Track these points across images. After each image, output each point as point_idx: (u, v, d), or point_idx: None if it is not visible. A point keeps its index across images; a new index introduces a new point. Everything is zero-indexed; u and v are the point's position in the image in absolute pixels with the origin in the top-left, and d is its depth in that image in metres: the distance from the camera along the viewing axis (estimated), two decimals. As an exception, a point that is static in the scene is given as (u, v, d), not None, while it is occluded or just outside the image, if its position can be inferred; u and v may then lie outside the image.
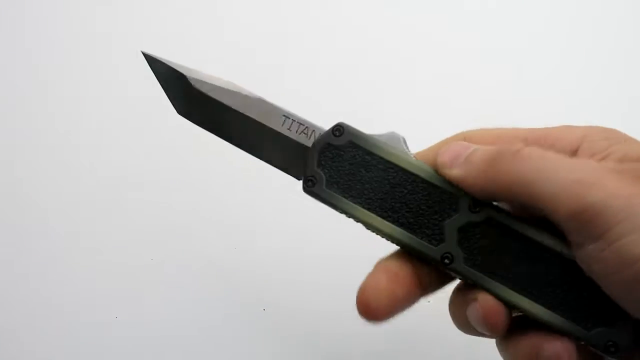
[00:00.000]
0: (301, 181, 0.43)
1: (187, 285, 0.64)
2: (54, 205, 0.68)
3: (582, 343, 0.38)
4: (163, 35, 0.75)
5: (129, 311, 0.63)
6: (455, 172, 0.40)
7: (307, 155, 0.43)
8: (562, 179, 0.36)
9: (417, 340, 0.62)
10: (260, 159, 0.45)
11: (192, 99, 0.45)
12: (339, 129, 0.43)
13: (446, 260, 0.40)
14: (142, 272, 0.65)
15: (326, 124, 0.44)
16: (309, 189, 0.42)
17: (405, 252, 0.42)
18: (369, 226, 0.42)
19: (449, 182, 0.40)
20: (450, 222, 0.40)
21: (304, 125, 0.44)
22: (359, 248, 0.65)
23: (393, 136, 0.43)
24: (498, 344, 0.41)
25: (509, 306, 0.39)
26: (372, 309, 0.41)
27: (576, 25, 0.76)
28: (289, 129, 0.44)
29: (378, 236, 0.42)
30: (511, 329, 0.40)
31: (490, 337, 0.40)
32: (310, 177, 0.42)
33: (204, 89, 0.45)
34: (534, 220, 0.40)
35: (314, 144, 0.43)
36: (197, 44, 0.75)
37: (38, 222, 0.67)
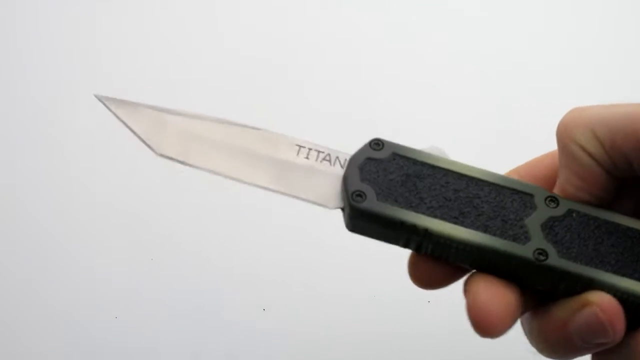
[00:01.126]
0: (338, 210, 0.38)
1: (187, 285, 0.64)
2: (53, 205, 0.68)
3: None
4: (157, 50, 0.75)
5: (129, 311, 0.63)
6: None
7: (347, 173, 0.38)
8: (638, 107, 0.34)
9: (417, 341, 0.62)
10: (284, 195, 0.39)
11: (173, 138, 0.39)
12: (378, 143, 0.38)
13: (541, 256, 0.36)
14: (141, 271, 0.65)
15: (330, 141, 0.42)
16: (358, 205, 0.36)
17: (483, 266, 0.37)
18: (440, 237, 0.36)
19: (517, 182, 0.38)
20: (531, 219, 0.37)
21: (322, 152, 0.39)
22: (359, 248, 0.65)
23: (435, 149, 0.39)
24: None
25: (618, 295, 0.35)
26: (493, 324, 0.36)
27: (580, 23, 0.76)
28: (306, 157, 0.39)
29: (442, 252, 0.37)
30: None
31: (604, 345, 0.35)
32: (358, 192, 0.37)
33: (186, 126, 0.39)
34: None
35: (350, 160, 0.38)
36: (195, 52, 0.75)
37: (38, 222, 0.67)
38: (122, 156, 0.70)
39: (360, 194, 0.37)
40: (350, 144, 0.39)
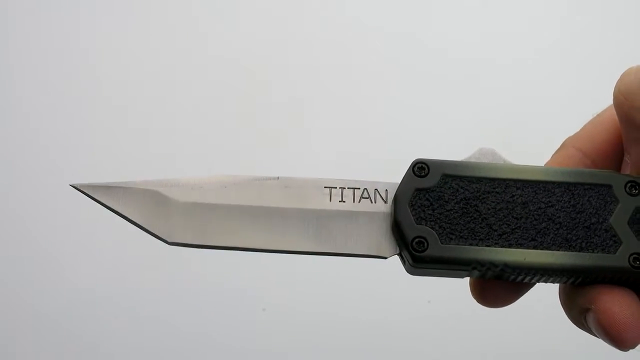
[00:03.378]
0: (392, 258, 0.33)
1: (187, 285, 0.64)
2: (53, 205, 0.68)
3: None
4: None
5: (129, 311, 0.63)
6: None
7: (397, 218, 0.32)
8: None
9: (417, 341, 0.62)
10: (330, 255, 0.33)
11: (181, 217, 0.32)
12: (422, 167, 0.33)
13: (637, 263, 0.32)
14: (141, 271, 0.65)
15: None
16: (421, 254, 0.32)
17: (580, 282, 0.33)
18: (519, 268, 0.32)
19: (588, 174, 0.33)
20: (616, 217, 0.32)
21: (358, 187, 0.33)
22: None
23: (485, 152, 0.34)
24: None
25: None
26: (633, 336, 0.31)
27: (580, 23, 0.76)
28: (341, 200, 0.33)
29: (524, 281, 0.33)
30: None
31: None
32: (418, 239, 0.32)
33: (190, 198, 0.32)
34: None
35: (396, 198, 0.33)
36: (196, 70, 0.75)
37: (38, 222, 0.67)
38: (119, 158, 0.70)
39: (422, 241, 0.32)
40: (367, 161, 0.34)
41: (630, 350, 0.33)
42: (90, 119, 0.71)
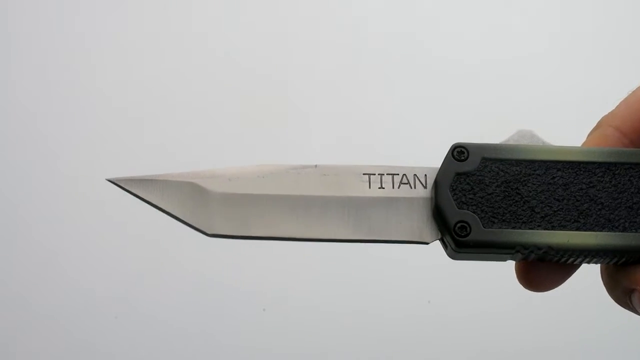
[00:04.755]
0: (433, 244, 0.33)
1: (187, 285, 0.64)
2: (53, 205, 0.68)
3: None
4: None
5: (129, 311, 0.63)
6: None
7: (438, 203, 0.32)
8: None
9: (417, 341, 0.62)
10: (367, 242, 0.33)
11: (219, 209, 0.32)
12: (461, 150, 0.33)
13: None
14: (141, 271, 0.65)
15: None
16: (464, 239, 0.32)
17: (624, 262, 0.33)
18: (563, 250, 0.32)
19: (628, 153, 0.33)
20: None
21: (397, 173, 0.33)
22: (359, 249, 0.65)
23: (524, 133, 0.34)
24: None
25: None
26: None
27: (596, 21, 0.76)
28: (380, 187, 0.33)
29: (567, 263, 0.33)
30: None
31: None
32: (461, 224, 0.32)
33: (228, 189, 0.32)
34: None
35: (436, 183, 0.33)
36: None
37: (37, 223, 0.67)
38: (120, 154, 0.70)
39: (464, 225, 0.32)
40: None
41: None
42: (87, 120, 0.71)
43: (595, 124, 0.35)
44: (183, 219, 0.33)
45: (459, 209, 0.32)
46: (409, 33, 0.75)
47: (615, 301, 0.34)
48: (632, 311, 0.33)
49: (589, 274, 0.37)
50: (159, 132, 0.70)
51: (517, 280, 0.34)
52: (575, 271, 0.34)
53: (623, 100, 0.35)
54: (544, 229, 0.32)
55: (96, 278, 0.64)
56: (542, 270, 0.33)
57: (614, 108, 0.35)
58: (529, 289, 0.34)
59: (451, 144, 0.33)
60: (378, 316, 0.63)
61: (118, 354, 0.62)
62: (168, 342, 0.62)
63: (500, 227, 0.32)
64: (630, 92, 0.35)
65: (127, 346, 0.62)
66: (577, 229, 0.32)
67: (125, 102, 0.71)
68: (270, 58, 0.74)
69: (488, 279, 0.64)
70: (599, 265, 0.34)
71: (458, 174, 0.33)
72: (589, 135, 0.35)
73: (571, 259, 0.33)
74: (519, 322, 0.64)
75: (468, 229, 0.32)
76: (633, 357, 0.64)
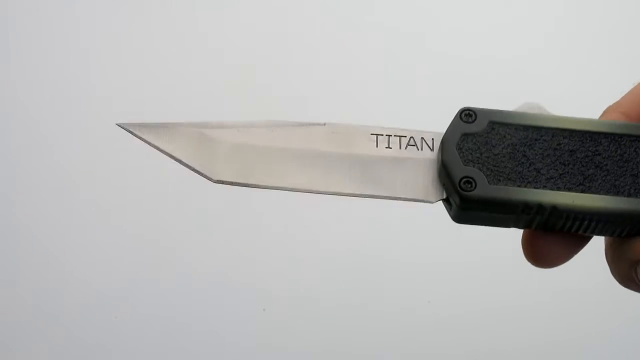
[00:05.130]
0: (437, 203, 0.33)
1: (187, 285, 0.64)
2: (53, 206, 0.68)
3: None
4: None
5: (129, 311, 0.63)
6: None
7: (444, 159, 0.32)
8: None
9: (417, 340, 0.62)
10: (371, 197, 0.33)
11: (227, 157, 0.33)
12: (469, 113, 0.33)
13: None
14: (141, 271, 0.65)
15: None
16: (468, 194, 0.32)
17: (628, 232, 0.32)
18: (567, 212, 0.32)
19: (635, 126, 0.33)
20: None
21: (404, 135, 0.33)
22: (358, 248, 0.65)
23: (532, 105, 0.34)
24: None
25: None
26: None
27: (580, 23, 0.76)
28: (388, 147, 0.33)
29: (572, 226, 0.32)
30: None
31: None
32: (466, 179, 0.32)
33: (237, 139, 0.33)
34: None
35: (444, 141, 0.33)
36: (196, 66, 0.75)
37: (37, 223, 0.67)
38: (119, 159, 0.70)
39: (469, 180, 0.32)
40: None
41: None
42: (85, 120, 0.71)
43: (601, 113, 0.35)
44: (190, 164, 0.33)
45: (464, 165, 0.32)
46: (411, 29, 0.75)
47: (619, 278, 0.33)
48: (636, 287, 0.33)
49: (589, 273, 0.37)
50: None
51: (523, 256, 0.33)
52: (583, 246, 0.33)
53: (629, 91, 0.35)
54: (550, 190, 0.32)
55: (96, 278, 0.64)
56: (548, 241, 0.33)
57: (619, 99, 0.35)
58: (535, 264, 0.34)
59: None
60: (378, 316, 0.63)
61: (118, 354, 0.62)
62: (168, 342, 0.62)
63: (505, 185, 0.32)
64: (636, 84, 0.35)
65: (127, 346, 0.62)
66: (583, 191, 0.32)
67: (125, 103, 0.71)
68: (270, 57, 0.74)
69: (488, 278, 0.64)
70: (600, 268, 0.34)
71: (465, 134, 0.33)
72: None
73: (576, 225, 0.32)
74: (519, 322, 0.64)
75: (473, 184, 0.32)
76: (632, 355, 0.64)
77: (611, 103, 0.35)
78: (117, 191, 0.68)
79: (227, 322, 0.63)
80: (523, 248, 0.33)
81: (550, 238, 0.33)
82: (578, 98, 0.70)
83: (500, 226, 0.33)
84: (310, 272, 0.64)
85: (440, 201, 0.33)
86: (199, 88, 0.72)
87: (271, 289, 0.64)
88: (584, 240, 0.33)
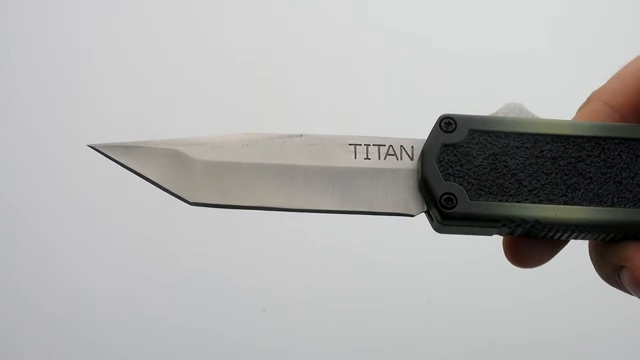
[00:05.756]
0: (419, 216, 0.33)
1: (187, 285, 0.64)
2: (53, 205, 0.68)
3: None
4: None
5: (129, 311, 0.63)
6: None
7: (424, 174, 0.32)
8: None
9: (417, 340, 0.62)
10: (351, 213, 0.32)
11: (202, 177, 0.32)
12: (449, 122, 0.32)
13: None
14: (141, 271, 0.65)
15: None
16: (449, 211, 0.31)
17: (612, 238, 0.32)
18: (549, 224, 0.31)
19: (618, 128, 0.32)
20: None
21: (383, 144, 0.32)
22: (358, 249, 0.65)
23: (513, 106, 0.33)
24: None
25: None
26: None
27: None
28: (366, 158, 0.32)
29: (555, 236, 0.32)
30: None
31: None
32: (447, 196, 0.31)
33: (211, 157, 0.32)
34: None
35: (423, 153, 0.32)
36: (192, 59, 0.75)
37: (38, 222, 0.67)
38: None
39: (450, 198, 0.31)
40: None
41: None
42: (86, 119, 0.71)
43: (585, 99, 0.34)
44: (165, 186, 0.32)
45: (445, 180, 0.32)
46: (410, 29, 0.75)
47: (604, 279, 0.33)
48: (621, 289, 0.33)
49: (588, 272, 0.37)
50: (159, 132, 0.70)
51: (505, 256, 0.33)
52: (563, 247, 0.33)
53: (614, 76, 0.34)
54: (532, 203, 0.31)
55: (96, 278, 0.64)
56: (530, 246, 0.33)
57: (605, 83, 0.34)
58: (516, 265, 0.33)
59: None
60: (378, 316, 0.63)
61: (118, 354, 0.62)
62: (168, 342, 0.62)
63: (487, 200, 0.31)
64: (622, 67, 0.34)
65: (127, 346, 0.62)
66: (565, 203, 0.31)
67: (126, 105, 0.71)
68: (270, 57, 0.74)
69: (487, 278, 0.64)
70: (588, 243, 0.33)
71: (445, 145, 0.32)
72: (578, 111, 0.34)
73: (558, 234, 0.32)
74: (518, 321, 0.64)
75: (454, 201, 0.31)
76: (632, 354, 0.64)
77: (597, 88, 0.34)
78: (117, 190, 0.68)
79: (227, 322, 0.63)
80: (504, 250, 0.33)
81: (531, 242, 0.32)
82: (578, 98, 0.70)
83: (484, 235, 0.33)
84: (310, 272, 0.64)
85: (423, 213, 0.33)
86: (198, 88, 0.72)
87: (271, 289, 0.64)
88: (565, 242, 0.33)
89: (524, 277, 0.58)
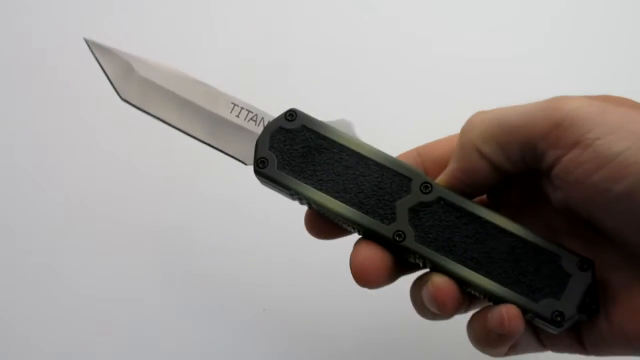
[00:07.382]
0: (251, 166, 0.44)
1: (187, 285, 0.64)
2: (53, 205, 0.68)
3: (531, 315, 0.40)
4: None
5: (129, 311, 0.63)
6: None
7: (258, 140, 0.43)
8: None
9: (417, 340, 0.62)
10: (210, 146, 0.45)
11: (136, 85, 0.45)
12: (292, 114, 0.44)
13: (397, 238, 0.41)
14: (141, 271, 0.65)
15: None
16: (260, 170, 0.43)
17: (362, 234, 0.43)
18: (321, 207, 0.42)
19: (401, 165, 0.42)
20: (402, 202, 0.42)
21: (252, 112, 0.45)
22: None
23: (343, 122, 0.44)
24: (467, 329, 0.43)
25: (460, 282, 0.41)
26: (368, 274, 0.42)
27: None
28: (237, 115, 0.45)
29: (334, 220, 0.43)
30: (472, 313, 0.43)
31: (442, 317, 0.43)
32: (262, 159, 0.43)
33: (148, 75, 0.45)
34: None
35: (265, 127, 0.44)
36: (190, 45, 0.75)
37: (37, 223, 0.67)
38: (119, 160, 0.70)
39: (264, 161, 0.43)
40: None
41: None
42: (86, 121, 0.71)
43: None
44: (111, 79, 0.46)
45: (268, 149, 0.43)
46: (411, 30, 0.75)
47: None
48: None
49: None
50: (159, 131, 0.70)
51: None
52: (348, 234, 0.44)
53: (436, 140, 0.45)
54: (315, 188, 0.42)
55: (96, 278, 0.64)
56: (322, 222, 0.44)
57: (425, 143, 0.45)
58: (312, 235, 0.45)
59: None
60: (378, 316, 0.63)
61: (117, 354, 0.62)
62: (167, 342, 0.62)
63: (287, 173, 0.43)
64: (446, 137, 0.45)
65: (127, 346, 0.62)
66: (335, 198, 0.42)
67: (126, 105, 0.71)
68: (270, 56, 0.74)
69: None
70: None
71: (281, 128, 0.44)
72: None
73: (329, 217, 0.43)
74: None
75: (266, 164, 0.43)
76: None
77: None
78: (116, 188, 0.68)
79: (227, 322, 0.63)
80: (304, 221, 0.45)
81: (323, 220, 0.44)
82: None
83: (287, 197, 0.44)
84: (310, 272, 0.64)
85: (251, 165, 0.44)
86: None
87: (271, 289, 0.64)
88: (347, 231, 0.44)
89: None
